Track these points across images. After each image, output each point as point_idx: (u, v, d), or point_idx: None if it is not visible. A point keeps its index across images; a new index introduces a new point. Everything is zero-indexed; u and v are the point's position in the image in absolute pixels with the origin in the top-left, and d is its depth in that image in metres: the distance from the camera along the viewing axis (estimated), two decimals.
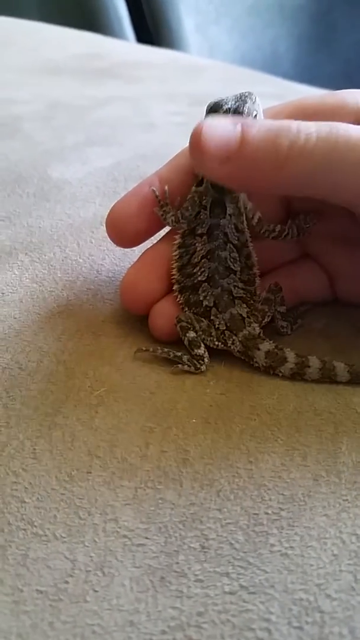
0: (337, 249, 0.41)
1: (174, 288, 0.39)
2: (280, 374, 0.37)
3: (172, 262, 0.39)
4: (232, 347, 0.38)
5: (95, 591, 0.27)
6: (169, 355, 0.38)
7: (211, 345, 0.38)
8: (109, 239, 0.40)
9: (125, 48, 1.12)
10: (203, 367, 0.37)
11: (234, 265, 0.39)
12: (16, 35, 1.05)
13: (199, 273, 0.39)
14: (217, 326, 0.38)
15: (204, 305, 0.39)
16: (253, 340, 0.37)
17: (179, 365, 0.37)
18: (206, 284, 0.39)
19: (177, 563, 0.28)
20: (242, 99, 0.38)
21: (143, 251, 0.41)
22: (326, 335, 0.40)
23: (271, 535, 0.29)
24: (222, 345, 0.38)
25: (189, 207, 0.39)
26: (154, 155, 0.59)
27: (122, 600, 0.27)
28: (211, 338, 0.38)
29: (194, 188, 0.39)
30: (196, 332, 0.38)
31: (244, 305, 0.39)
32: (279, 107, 0.39)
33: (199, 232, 0.39)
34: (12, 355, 0.38)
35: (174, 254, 0.39)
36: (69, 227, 0.50)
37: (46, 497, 0.31)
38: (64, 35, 1.07)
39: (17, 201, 0.53)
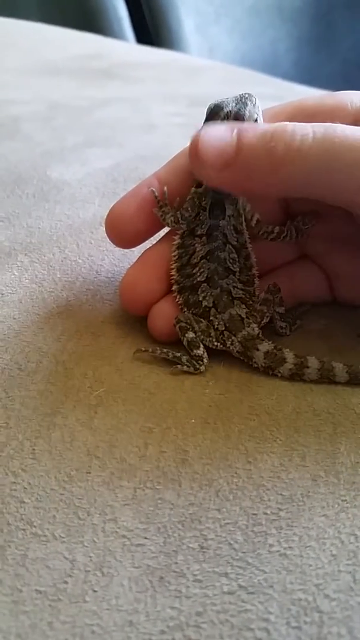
0: (336, 250, 0.41)
1: (173, 288, 0.39)
2: (279, 375, 0.37)
3: (171, 262, 0.39)
4: (231, 348, 0.38)
5: (95, 591, 0.27)
6: (168, 356, 0.38)
7: (210, 346, 0.38)
8: (108, 239, 0.40)
9: (124, 49, 1.12)
10: (202, 368, 0.37)
11: (233, 266, 0.39)
12: (16, 36, 1.05)
13: (198, 274, 0.39)
14: (216, 327, 0.38)
15: (203, 305, 0.39)
16: (252, 341, 0.37)
17: (178, 366, 0.37)
18: (205, 284, 0.39)
19: (176, 563, 0.28)
20: (242, 101, 0.38)
21: (142, 252, 0.41)
22: (325, 336, 0.40)
23: (270, 536, 0.29)
24: (221, 346, 0.38)
25: (189, 208, 0.39)
26: (153, 156, 0.59)
27: (121, 600, 0.27)
28: (210, 338, 0.38)
29: (193, 189, 0.39)
30: (195, 332, 0.38)
31: (243, 306, 0.39)
32: (279, 108, 0.39)
33: (199, 232, 0.39)
34: (11, 356, 0.38)
35: (173, 254, 0.39)
36: (69, 227, 0.50)
37: (45, 497, 0.31)
38: (63, 36, 1.07)
39: (17, 202, 0.54)
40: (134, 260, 0.40)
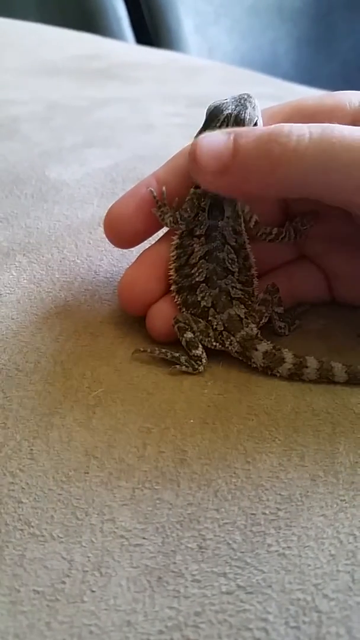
0: (334, 250, 0.41)
1: (171, 289, 0.39)
2: (278, 375, 0.37)
3: (170, 262, 0.39)
4: (229, 348, 0.38)
5: (93, 591, 0.27)
6: (167, 356, 0.38)
7: (209, 346, 0.38)
8: (106, 240, 0.40)
9: (124, 49, 1.12)
10: (201, 368, 0.37)
11: (232, 266, 0.39)
12: (14, 36, 1.05)
13: (196, 274, 0.39)
14: (214, 327, 0.38)
15: (201, 305, 0.39)
16: (251, 341, 0.37)
17: (177, 366, 0.37)
18: (204, 284, 0.39)
19: (175, 563, 0.28)
20: (242, 103, 0.38)
21: (141, 252, 0.41)
22: (324, 336, 0.40)
23: (269, 536, 0.29)
24: (220, 346, 0.38)
25: (188, 209, 0.39)
26: (152, 156, 0.59)
27: (119, 601, 0.27)
28: (209, 339, 0.38)
29: (192, 190, 0.39)
30: (194, 332, 0.38)
31: (242, 306, 0.39)
32: (277, 108, 0.39)
33: (197, 233, 0.39)
34: (9, 356, 0.38)
35: (172, 254, 0.39)
36: (67, 228, 0.50)
37: (43, 497, 0.31)
38: (62, 36, 1.07)
39: (15, 202, 0.54)
40: (133, 261, 0.40)
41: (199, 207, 0.39)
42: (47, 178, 0.57)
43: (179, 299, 0.39)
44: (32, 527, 0.29)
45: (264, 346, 0.37)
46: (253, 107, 0.38)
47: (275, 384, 0.37)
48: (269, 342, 0.37)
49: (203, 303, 0.39)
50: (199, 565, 0.28)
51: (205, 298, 0.39)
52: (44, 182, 0.57)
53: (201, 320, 0.38)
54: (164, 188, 0.39)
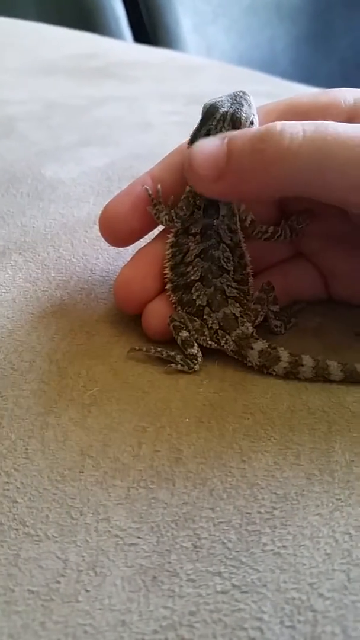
0: (330, 248, 0.41)
1: (166, 287, 0.39)
2: (274, 373, 0.37)
3: (165, 261, 0.39)
4: (225, 347, 0.38)
5: (87, 591, 0.27)
6: (162, 355, 0.38)
7: (204, 345, 0.38)
8: (102, 238, 0.40)
9: (122, 48, 1.11)
10: (196, 367, 0.37)
11: (227, 265, 0.39)
12: (13, 35, 1.05)
13: (192, 272, 0.39)
14: (210, 325, 0.38)
15: (197, 304, 0.38)
16: (246, 340, 0.37)
17: (173, 365, 0.37)
18: (199, 283, 0.39)
19: (169, 562, 0.28)
20: (237, 101, 0.38)
21: (137, 250, 0.41)
22: (320, 334, 0.40)
23: (264, 535, 0.29)
24: (216, 345, 0.38)
25: (183, 207, 0.39)
26: (149, 155, 0.59)
27: (114, 600, 0.27)
28: (204, 337, 0.38)
29: (188, 188, 0.39)
30: (189, 331, 0.38)
31: (237, 305, 0.38)
32: (271, 105, 0.39)
33: (193, 231, 0.39)
34: (4, 355, 0.38)
35: (167, 253, 0.39)
36: (63, 226, 0.50)
37: (38, 497, 0.31)
38: (61, 35, 1.07)
39: (11, 201, 0.53)
40: (129, 259, 0.40)
41: (195, 205, 0.39)
42: (43, 177, 0.57)
43: (175, 297, 0.39)
44: (27, 526, 0.29)
45: (259, 345, 0.37)
46: (249, 105, 0.38)
47: (271, 382, 0.37)
48: (264, 341, 0.37)
49: (198, 302, 0.38)
50: (194, 564, 0.28)
51: (201, 297, 0.38)
52: (40, 181, 0.56)
53: (196, 319, 0.38)
54: (159, 186, 0.39)
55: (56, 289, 0.43)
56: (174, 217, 0.39)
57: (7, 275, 0.44)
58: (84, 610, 0.26)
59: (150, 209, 0.39)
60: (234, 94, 0.39)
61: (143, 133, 0.67)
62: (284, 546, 0.28)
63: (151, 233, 0.41)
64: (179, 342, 0.38)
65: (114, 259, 0.46)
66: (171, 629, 0.26)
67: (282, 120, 0.35)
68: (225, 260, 0.39)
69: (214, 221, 0.39)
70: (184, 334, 0.38)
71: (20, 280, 0.44)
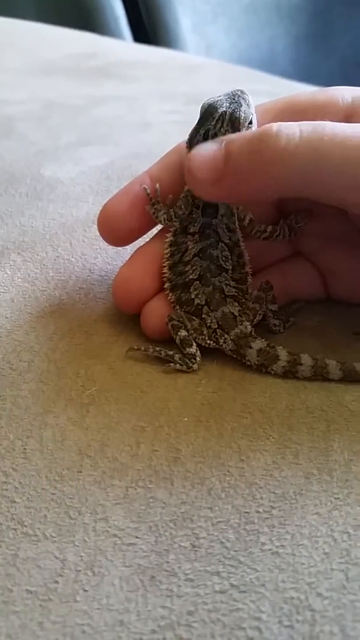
0: (329, 247, 0.41)
1: (165, 286, 0.39)
2: (273, 372, 0.37)
3: (164, 260, 0.39)
4: (224, 346, 0.38)
5: (85, 591, 0.27)
6: (161, 354, 0.37)
7: (203, 344, 0.38)
8: (101, 238, 0.40)
9: (121, 47, 1.11)
10: (195, 366, 0.37)
11: (225, 264, 0.39)
12: (12, 35, 1.05)
13: (190, 271, 0.39)
14: (208, 325, 0.38)
15: (195, 303, 0.38)
16: (245, 339, 0.37)
17: (171, 364, 0.37)
18: (198, 282, 0.39)
19: (168, 562, 0.28)
20: (236, 100, 0.38)
21: (135, 249, 0.40)
22: (318, 333, 0.40)
23: (262, 534, 0.29)
24: (214, 344, 0.38)
25: (182, 206, 0.39)
26: (147, 154, 0.59)
27: (112, 600, 0.27)
28: (203, 337, 0.38)
29: (187, 187, 0.39)
30: (188, 330, 0.38)
31: (236, 304, 0.38)
32: (269, 104, 0.39)
33: (191, 230, 0.39)
34: (3, 355, 0.38)
35: (166, 252, 0.39)
36: (62, 226, 0.50)
37: (36, 496, 0.30)
38: (60, 35, 1.07)
39: (10, 201, 0.53)
40: (127, 258, 0.40)
41: (193, 204, 0.39)
42: (42, 176, 0.57)
43: (173, 296, 0.39)
44: (25, 526, 0.29)
45: (258, 344, 0.37)
46: (247, 105, 0.38)
47: (270, 381, 0.37)
48: (263, 340, 0.37)
49: (197, 301, 0.38)
50: (192, 564, 0.28)
51: (199, 296, 0.38)
52: (39, 181, 0.56)
53: (195, 318, 0.38)
54: (157, 185, 0.39)
55: (55, 288, 0.43)
56: (173, 216, 0.39)
57: (5, 275, 0.44)
58: (82, 610, 0.26)
59: (148, 208, 0.39)
60: (232, 92, 0.38)
61: (142, 132, 0.67)
62: (282, 545, 0.28)
63: (150, 232, 0.41)
64: (177, 341, 0.37)
65: (113, 259, 0.46)
66: (169, 629, 0.26)
67: (280, 118, 0.35)
68: (223, 259, 0.39)
69: (213, 220, 0.39)
70: (183, 333, 0.37)
71: (19, 280, 0.44)
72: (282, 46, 1.64)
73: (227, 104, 0.38)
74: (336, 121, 0.34)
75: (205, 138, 0.37)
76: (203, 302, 0.38)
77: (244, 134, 0.36)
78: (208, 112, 0.38)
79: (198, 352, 0.37)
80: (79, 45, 1.01)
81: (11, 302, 0.42)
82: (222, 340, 0.38)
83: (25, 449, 0.33)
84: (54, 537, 0.29)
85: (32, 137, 0.66)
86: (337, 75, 1.66)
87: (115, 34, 1.41)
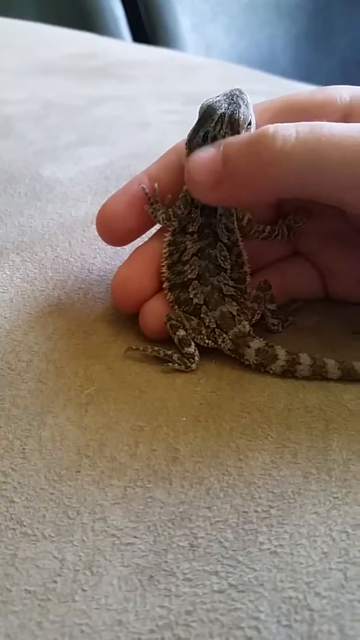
0: (328, 247, 0.41)
1: (164, 286, 0.39)
2: (271, 372, 0.37)
3: (162, 259, 0.39)
4: (222, 345, 0.38)
5: (84, 590, 0.27)
6: (160, 354, 0.37)
7: (201, 344, 0.38)
8: (100, 237, 0.40)
9: (120, 47, 1.11)
10: (193, 366, 0.37)
11: (224, 264, 0.39)
12: (11, 35, 1.05)
13: (189, 271, 0.39)
14: (207, 324, 0.38)
15: (194, 303, 0.38)
16: (243, 338, 0.37)
17: (170, 364, 0.37)
18: (196, 281, 0.39)
19: (166, 562, 0.28)
20: (235, 101, 0.37)
21: (134, 249, 0.40)
22: (317, 333, 0.40)
23: (260, 534, 0.29)
24: (213, 344, 0.38)
25: (181, 206, 0.39)
26: (146, 154, 0.59)
27: (110, 600, 0.27)
28: (201, 336, 0.38)
29: (185, 187, 0.39)
30: (186, 330, 0.38)
31: (234, 303, 0.38)
32: (268, 103, 0.39)
33: (190, 230, 0.39)
34: (2, 355, 0.38)
35: (164, 251, 0.39)
36: (60, 226, 0.50)
37: (35, 496, 0.30)
38: (59, 35, 1.07)
39: (9, 201, 0.53)
40: (126, 258, 0.40)
41: (192, 204, 0.39)
42: (40, 176, 0.57)
43: (172, 296, 0.39)
44: (24, 526, 0.29)
45: (256, 343, 0.37)
46: (246, 105, 0.38)
47: (268, 381, 0.37)
48: (261, 339, 0.37)
49: (195, 300, 0.38)
50: (191, 563, 0.28)
51: (198, 295, 0.38)
52: (38, 181, 0.56)
53: (193, 318, 0.38)
54: (156, 185, 0.39)
55: (53, 288, 0.43)
56: (171, 216, 0.39)
57: (4, 275, 0.44)
58: (80, 610, 0.26)
59: (147, 207, 0.39)
60: (230, 93, 0.38)
61: (141, 132, 0.67)
62: (280, 545, 0.28)
63: (148, 232, 0.41)
64: (176, 341, 0.37)
65: (112, 258, 0.46)
66: (168, 629, 0.26)
67: (278, 117, 0.35)
68: (222, 258, 0.39)
69: (211, 220, 0.39)
70: (181, 332, 0.37)
71: (18, 280, 0.44)
72: (282, 45, 1.64)
73: (226, 105, 0.37)
74: (334, 120, 0.34)
75: (205, 139, 0.37)
76: (202, 302, 0.38)
77: (242, 136, 0.36)
78: (207, 114, 0.38)
79: (196, 351, 0.37)
80: (77, 45, 1.01)
81: (10, 302, 0.42)
82: (220, 340, 0.38)
83: (24, 448, 0.33)
84: (53, 536, 0.29)
85: (31, 137, 0.66)
86: (337, 74, 1.66)
87: (115, 34, 1.41)
